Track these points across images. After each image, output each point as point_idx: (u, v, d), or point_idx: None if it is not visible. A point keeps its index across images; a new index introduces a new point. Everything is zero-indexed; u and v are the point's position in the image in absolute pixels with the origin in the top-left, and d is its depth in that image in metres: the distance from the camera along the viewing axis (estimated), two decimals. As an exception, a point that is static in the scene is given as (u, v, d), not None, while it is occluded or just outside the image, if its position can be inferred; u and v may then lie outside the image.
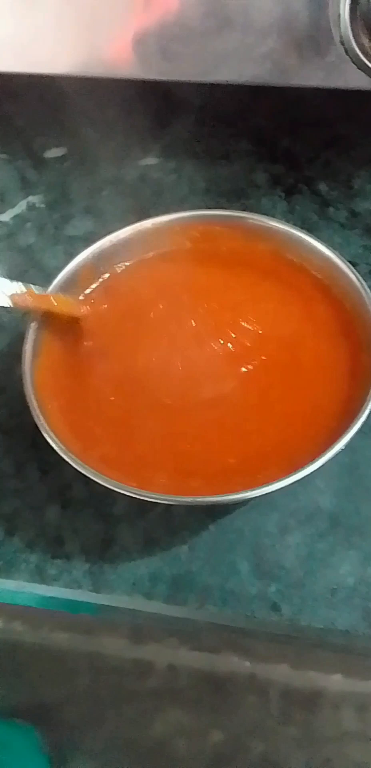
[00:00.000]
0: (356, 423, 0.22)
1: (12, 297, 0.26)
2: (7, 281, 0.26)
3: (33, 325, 0.27)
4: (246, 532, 0.25)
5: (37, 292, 0.27)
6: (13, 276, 0.34)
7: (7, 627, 0.51)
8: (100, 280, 0.30)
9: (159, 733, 0.46)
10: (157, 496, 0.22)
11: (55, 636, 0.50)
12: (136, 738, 0.45)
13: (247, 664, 0.50)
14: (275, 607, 0.24)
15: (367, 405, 0.23)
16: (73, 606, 0.28)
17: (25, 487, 0.27)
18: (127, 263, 0.30)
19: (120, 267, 0.30)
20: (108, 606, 0.26)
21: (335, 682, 0.50)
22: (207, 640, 0.48)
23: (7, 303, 0.26)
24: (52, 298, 0.28)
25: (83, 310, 0.28)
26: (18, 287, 0.27)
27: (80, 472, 0.23)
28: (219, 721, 0.50)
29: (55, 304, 0.27)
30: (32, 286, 0.28)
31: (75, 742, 0.47)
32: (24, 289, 0.27)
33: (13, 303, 0.26)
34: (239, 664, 0.51)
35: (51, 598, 0.27)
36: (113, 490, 0.23)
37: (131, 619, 0.28)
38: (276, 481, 0.21)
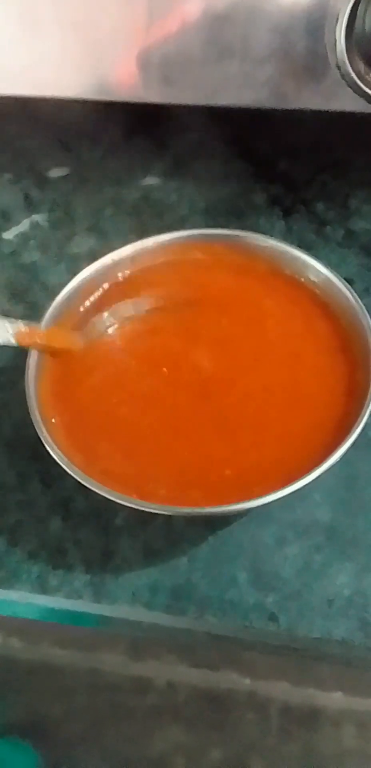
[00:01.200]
0: (350, 437, 0.23)
1: (16, 335, 0.27)
2: (9, 320, 0.27)
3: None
4: (244, 543, 0.26)
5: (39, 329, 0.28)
6: (17, 292, 0.35)
7: (5, 643, 0.51)
8: (100, 294, 0.30)
9: (158, 750, 0.46)
10: (158, 507, 0.23)
11: (53, 652, 0.50)
12: (135, 756, 0.45)
13: (247, 681, 0.50)
14: (273, 618, 0.24)
15: (361, 420, 0.23)
16: (74, 618, 0.28)
17: (28, 500, 0.27)
18: (127, 280, 0.31)
19: (121, 283, 0.31)
20: (108, 617, 0.26)
21: (335, 699, 0.50)
22: (207, 656, 0.48)
23: (12, 342, 0.27)
24: (53, 333, 0.28)
25: (82, 343, 0.29)
26: (21, 326, 0.27)
27: (81, 485, 0.24)
28: (219, 739, 0.50)
29: (57, 339, 0.28)
30: (35, 324, 0.28)
31: (73, 760, 0.46)
32: (26, 328, 0.27)
33: (17, 342, 0.27)
34: (238, 681, 0.51)
35: (52, 610, 0.27)
36: (113, 503, 0.23)
37: (130, 633, 0.28)
38: (273, 493, 0.22)
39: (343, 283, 0.28)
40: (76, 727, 0.52)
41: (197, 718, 0.50)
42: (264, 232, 0.36)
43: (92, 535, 0.26)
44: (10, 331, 0.27)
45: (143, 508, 0.23)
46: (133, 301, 0.30)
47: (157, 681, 0.49)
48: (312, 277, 0.29)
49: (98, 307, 0.30)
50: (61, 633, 0.48)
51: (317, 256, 0.30)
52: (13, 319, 0.27)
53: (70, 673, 0.50)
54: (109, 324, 0.29)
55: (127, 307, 0.30)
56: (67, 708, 0.51)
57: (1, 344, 0.27)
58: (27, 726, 0.52)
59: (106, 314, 0.29)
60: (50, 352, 0.28)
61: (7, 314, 0.34)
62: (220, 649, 0.45)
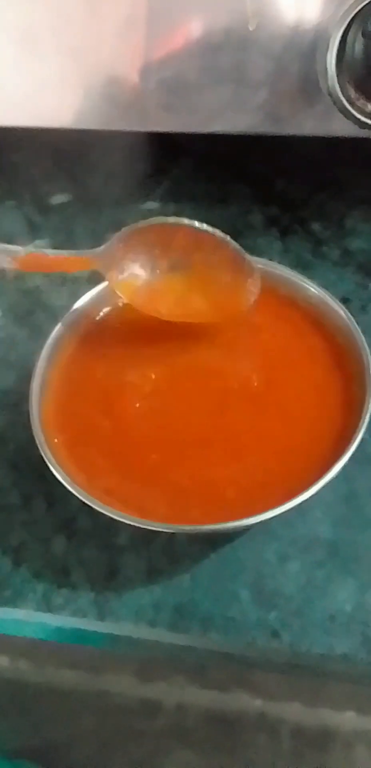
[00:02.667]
0: (347, 452, 0.23)
1: (16, 259, 0.27)
2: (12, 246, 0.27)
3: (40, 363, 0.28)
4: (246, 561, 0.26)
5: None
6: (21, 316, 0.36)
7: (13, 665, 0.51)
8: (101, 314, 0.31)
9: (167, 775, 0.45)
10: (160, 526, 0.23)
11: (60, 674, 0.50)
12: (144, 780, 0.44)
13: (258, 702, 0.50)
14: (275, 634, 0.24)
15: (358, 435, 0.24)
16: (79, 637, 0.28)
17: (32, 520, 0.28)
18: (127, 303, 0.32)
19: (124, 304, 0.32)
20: (113, 636, 0.27)
21: (348, 719, 0.50)
22: (216, 676, 0.48)
23: (10, 265, 0.27)
24: (60, 257, 0.28)
25: (92, 263, 0.28)
26: (23, 250, 0.27)
27: (84, 505, 0.24)
28: (229, 763, 0.50)
29: (67, 263, 0.28)
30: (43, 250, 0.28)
31: (81, 784, 0.46)
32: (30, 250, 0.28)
33: (20, 267, 0.27)
34: (249, 702, 0.50)
35: (57, 629, 0.27)
36: (116, 522, 0.23)
37: (135, 652, 0.28)
38: (273, 509, 0.22)
39: (336, 302, 0.29)
40: (84, 751, 0.51)
41: (207, 741, 0.49)
42: (261, 252, 0.36)
43: (96, 554, 0.26)
44: (12, 254, 0.27)
45: (145, 526, 0.23)
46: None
47: (166, 703, 0.48)
48: (307, 297, 0.30)
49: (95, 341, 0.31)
50: (69, 655, 0.48)
51: (314, 275, 0.31)
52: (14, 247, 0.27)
53: (77, 696, 0.49)
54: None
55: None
56: (74, 731, 0.51)
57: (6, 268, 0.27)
58: (35, 749, 0.52)
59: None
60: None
61: (11, 337, 0.35)
62: (227, 668, 0.45)
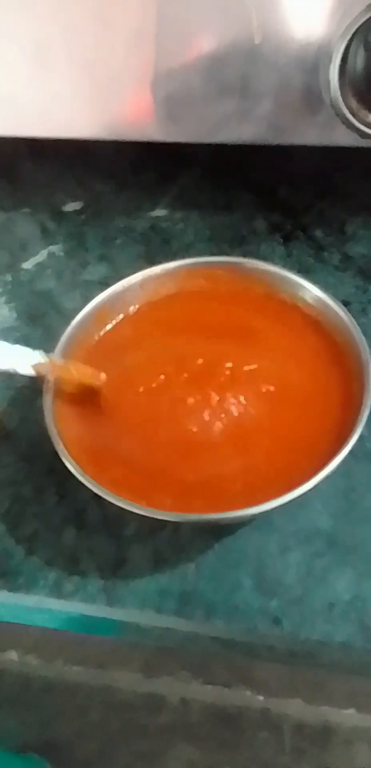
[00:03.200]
0: (345, 447, 0.24)
1: (35, 366, 0.28)
2: (29, 350, 0.28)
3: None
4: (248, 551, 0.27)
5: (57, 362, 0.29)
6: (35, 317, 0.38)
7: (22, 660, 0.52)
8: (113, 322, 0.32)
9: (171, 768, 0.46)
10: (167, 515, 0.24)
11: (67, 670, 0.51)
12: (148, 773, 0.45)
13: (260, 698, 0.51)
14: (276, 621, 0.25)
15: (356, 431, 0.25)
16: (87, 626, 0.29)
17: (44, 511, 0.29)
18: (137, 306, 0.33)
19: (131, 309, 0.33)
20: (120, 624, 0.28)
21: (348, 717, 0.50)
22: (220, 672, 0.49)
23: (30, 372, 0.28)
24: (71, 367, 0.29)
25: (101, 378, 0.29)
26: (40, 356, 0.28)
27: (94, 497, 0.25)
28: (232, 758, 0.50)
29: (74, 373, 0.29)
30: (53, 355, 0.29)
31: (87, 776, 0.47)
32: (46, 359, 0.28)
33: (36, 372, 0.28)
34: (252, 699, 0.51)
35: (67, 618, 0.28)
36: (124, 514, 0.24)
37: (141, 641, 0.29)
38: (275, 500, 0.23)
39: (336, 303, 0.30)
40: (89, 745, 0.52)
41: (210, 737, 0.50)
42: (265, 257, 0.38)
43: (105, 543, 0.28)
44: (30, 362, 0.28)
45: (152, 515, 0.24)
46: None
47: (170, 699, 0.49)
48: (307, 299, 0.31)
49: (107, 341, 0.32)
50: (76, 650, 0.49)
51: (315, 280, 0.32)
52: (30, 350, 0.28)
53: (84, 691, 0.50)
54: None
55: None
56: (81, 725, 0.52)
57: (22, 374, 0.28)
58: (42, 743, 0.53)
59: None
60: (69, 385, 0.29)
61: (26, 337, 0.36)
62: (229, 659, 0.46)
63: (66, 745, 0.53)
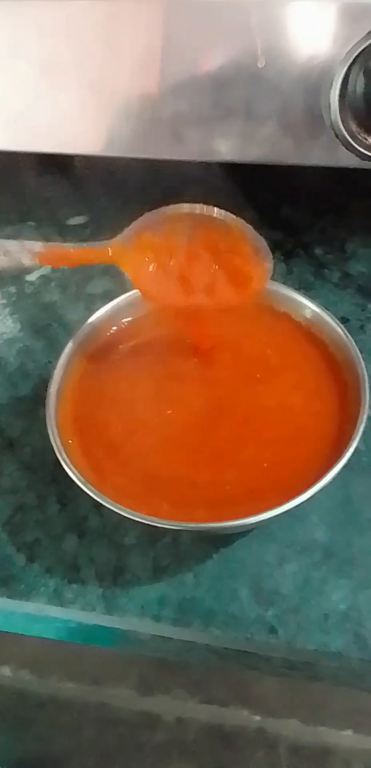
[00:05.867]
0: (341, 460, 0.25)
1: (38, 254, 0.27)
2: (29, 241, 0.28)
3: (57, 372, 0.30)
4: (246, 561, 0.27)
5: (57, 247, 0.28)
6: (39, 329, 0.38)
7: (16, 676, 0.52)
8: (114, 330, 0.33)
9: (166, 788, 0.46)
10: (167, 523, 0.25)
11: (62, 686, 0.51)
12: (143, 793, 0.45)
13: (257, 718, 0.50)
14: (272, 630, 0.26)
15: (352, 444, 0.25)
16: (87, 635, 0.29)
17: (46, 519, 0.29)
18: (139, 318, 0.34)
19: (133, 321, 0.34)
20: (119, 634, 0.28)
21: (346, 738, 0.50)
22: (216, 691, 0.49)
23: (34, 261, 0.27)
24: (70, 250, 0.28)
25: (108, 251, 0.28)
26: (41, 246, 0.28)
27: (95, 506, 0.26)
28: (228, 777, 0.50)
29: (74, 255, 0.28)
30: (53, 244, 0.29)
31: (81, 794, 0.46)
32: (46, 247, 0.28)
33: (39, 260, 0.27)
34: (248, 718, 0.51)
35: (66, 627, 0.29)
36: (125, 523, 0.25)
37: (139, 651, 0.29)
38: (270, 510, 0.24)
39: (333, 319, 0.31)
40: (85, 762, 0.52)
41: (206, 755, 0.50)
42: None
43: (105, 552, 0.28)
44: (33, 251, 0.27)
45: (151, 523, 0.24)
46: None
47: (166, 717, 0.49)
48: (306, 315, 0.32)
49: (107, 353, 0.32)
50: (71, 666, 0.48)
51: (315, 296, 0.33)
52: (33, 241, 0.28)
53: (79, 707, 0.50)
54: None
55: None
56: (75, 742, 0.51)
57: (27, 264, 0.27)
58: (37, 759, 0.52)
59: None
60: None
61: (29, 349, 0.37)
62: (226, 676, 0.46)
63: (61, 762, 0.52)
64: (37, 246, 0.28)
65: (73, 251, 0.28)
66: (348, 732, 0.48)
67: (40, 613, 0.28)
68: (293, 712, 0.48)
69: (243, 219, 0.44)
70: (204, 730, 0.50)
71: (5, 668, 0.50)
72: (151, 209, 0.45)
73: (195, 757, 0.50)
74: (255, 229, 0.43)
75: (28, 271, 0.31)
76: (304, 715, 0.48)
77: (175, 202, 0.46)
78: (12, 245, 0.27)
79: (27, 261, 0.27)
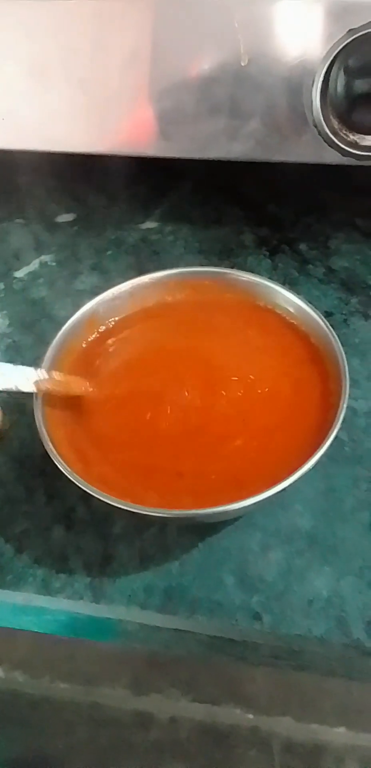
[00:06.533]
0: (321, 449, 0.25)
1: (36, 384, 0.29)
2: (31, 369, 0.29)
3: (44, 365, 0.30)
4: (231, 550, 0.28)
5: (57, 378, 0.30)
6: (27, 324, 0.39)
7: (8, 677, 0.52)
8: (103, 328, 0.34)
9: (160, 787, 0.46)
10: (153, 510, 0.25)
11: (55, 686, 0.51)
12: (136, 792, 0.45)
13: (250, 716, 0.51)
14: (257, 617, 0.26)
15: (332, 432, 0.26)
16: (74, 628, 0.29)
17: (34, 510, 0.30)
18: (127, 313, 0.34)
19: (121, 316, 0.34)
20: (107, 625, 0.28)
21: (339, 735, 0.51)
22: (209, 690, 0.49)
23: (32, 389, 0.29)
24: (64, 380, 0.30)
25: (87, 389, 0.31)
26: (40, 373, 0.29)
27: (82, 497, 0.26)
28: (221, 776, 0.50)
29: (66, 385, 0.30)
30: (54, 373, 0.30)
31: (75, 795, 0.47)
32: (46, 376, 0.29)
33: (37, 389, 0.29)
34: (241, 716, 0.51)
35: (54, 620, 0.29)
36: (111, 513, 0.25)
37: (126, 643, 0.29)
38: (256, 496, 0.24)
39: (316, 312, 0.31)
40: (78, 762, 0.52)
41: (200, 755, 0.50)
42: (252, 270, 0.39)
43: (92, 542, 0.28)
44: (31, 379, 0.29)
45: (138, 511, 0.25)
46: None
47: (159, 716, 0.49)
48: (290, 308, 0.33)
49: (97, 346, 0.33)
50: (63, 666, 0.49)
51: (300, 291, 0.34)
52: (32, 369, 0.29)
53: (71, 708, 0.50)
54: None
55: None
56: (68, 743, 0.52)
57: (26, 392, 0.28)
58: (29, 761, 0.53)
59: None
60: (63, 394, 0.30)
61: (18, 344, 0.37)
62: (217, 672, 0.46)
63: (54, 762, 0.52)
64: (33, 374, 0.29)
65: (63, 381, 0.30)
66: (341, 729, 0.48)
67: (28, 604, 0.28)
68: (286, 709, 0.49)
69: (229, 215, 0.45)
70: (198, 729, 0.50)
71: (-2, 669, 0.50)
72: (138, 206, 0.45)
73: (189, 756, 0.50)
74: (240, 225, 0.44)
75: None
76: (297, 713, 0.49)
77: (162, 198, 0.46)
78: (7, 369, 0.29)
79: (25, 387, 0.29)
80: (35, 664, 0.48)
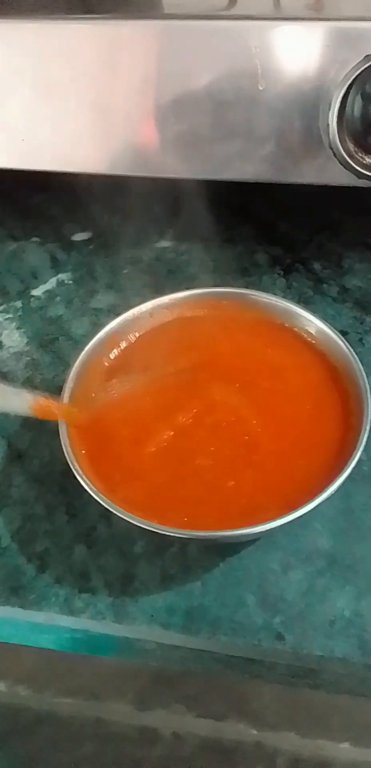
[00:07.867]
0: (345, 471, 0.26)
1: (33, 408, 0.29)
2: (28, 393, 0.29)
3: (68, 384, 0.31)
4: (252, 569, 0.28)
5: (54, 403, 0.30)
6: (45, 343, 0.39)
7: (11, 691, 0.52)
8: (124, 345, 0.34)
9: (164, 804, 0.46)
10: (175, 531, 0.25)
11: (59, 701, 0.51)
12: None
13: (254, 731, 0.51)
14: (279, 637, 0.26)
15: (355, 455, 0.26)
16: (92, 646, 0.29)
17: (55, 529, 0.30)
18: (146, 330, 0.35)
19: (140, 333, 0.35)
20: (126, 644, 0.28)
21: (344, 751, 0.50)
22: (214, 705, 0.49)
23: (28, 413, 0.29)
24: (66, 408, 0.30)
25: (76, 420, 0.30)
26: (39, 398, 0.29)
27: (103, 516, 0.26)
28: (226, 793, 0.50)
29: (68, 416, 0.30)
30: (50, 398, 0.30)
31: None
32: (43, 401, 0.29)
33: (34, 413, 0.29)
34: (245, 732, 0.51)
35: (71, 638, 0.29)
36: (133, 532, 0.25)
37: (145, 661, 0.29)
38: (275, 520, 0.25)
39: (334, 332, 0.32)
40: (82, 779, 0.52)
41: (203, 771, 0.50)
42: (266, 289, 0.39)
43: (114, 561, 0.28)
44: (28, 404, 0.29)
45: (160, 531, 0.25)
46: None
47: (163, 732, 0.49)
48: (308, 329, 0.33)
49: (117, 365, 0.33)
50: (67, 681, 0.48)
51: (314, 310, 0.34)
52: (30, 392, 0.29)
53: (76, 723, 0.50)
54: (115, 391, 0.32)
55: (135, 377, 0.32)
56: (73, 758, 0.51)
57: (21, 414, 0.29)
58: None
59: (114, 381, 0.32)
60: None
61: (36, 362, 0.38)
62: (225, 688, 0.46)
63: (58, 779, 0.52)
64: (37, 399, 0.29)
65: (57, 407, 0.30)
66: (346, 745, 0.48)
67: (51, 623, 0.28)
68: (291, 725, 0.48)
69: (243, 235, 0.45)
70: (202, 744, 0.49)
71: (0, 684, 0.50)
72: (153, 225, 0.46)
73: (193, 773, 0.50)
74: (254, 244, 0.44)
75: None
76: (302, 729, 0.48)
77: (176, 217, 0.47)
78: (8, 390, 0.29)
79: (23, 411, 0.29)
80: (39, 678, 0.48)
